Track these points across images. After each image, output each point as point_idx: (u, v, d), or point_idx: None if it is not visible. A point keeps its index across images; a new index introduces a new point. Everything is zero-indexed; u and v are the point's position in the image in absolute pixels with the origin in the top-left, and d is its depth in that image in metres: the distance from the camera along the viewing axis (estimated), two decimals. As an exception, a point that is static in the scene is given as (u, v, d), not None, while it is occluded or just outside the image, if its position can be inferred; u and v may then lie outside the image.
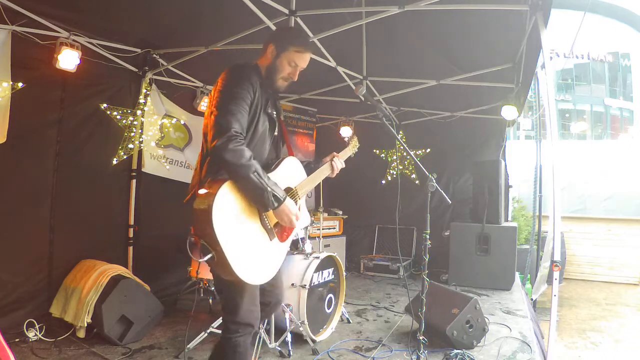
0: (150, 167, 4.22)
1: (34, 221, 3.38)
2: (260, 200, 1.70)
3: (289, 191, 1.93)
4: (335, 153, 2.25)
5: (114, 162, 3.93)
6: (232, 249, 1.61)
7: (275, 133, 2.03)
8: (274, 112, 1.98)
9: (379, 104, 2.55)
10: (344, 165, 2.24)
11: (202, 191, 1.69)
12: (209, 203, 1.59)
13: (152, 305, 3.33)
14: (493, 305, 4.27)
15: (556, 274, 2.53)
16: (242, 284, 1.79)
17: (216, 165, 1.75)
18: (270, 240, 1.83)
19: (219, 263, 1.63)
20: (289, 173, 1.99)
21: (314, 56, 3.86)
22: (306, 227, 3.67)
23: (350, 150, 2.45)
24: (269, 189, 1.68)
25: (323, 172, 2.16)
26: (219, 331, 2.88)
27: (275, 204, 1.71)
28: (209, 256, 1.62)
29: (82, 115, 3.68)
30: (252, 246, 1.74)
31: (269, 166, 1.93)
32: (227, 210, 1.64)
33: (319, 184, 4.22)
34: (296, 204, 1.91)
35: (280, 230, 1.89)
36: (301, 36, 2.02)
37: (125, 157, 4.00)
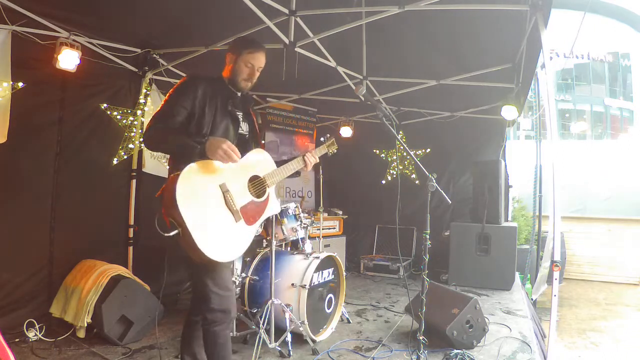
0: (150, 167, 4.22)
1: (34, 221, 3.38)
2: (187, 150, 1.84)
3: (255, 179, 2.09)
4: (309, 149, 2.39)
5: (114, 162, 3.93)
6: (196, 226, 1.75)
7: (242, 132, 2.20)
8: (238, 112, 2.17)
9: (379, 104, 2.56)
10: (317, 160, 2.37)
11: (168, 178, 1.88)
12: (173, 184, 1.76)
13: (152, 305, 3.33)
14: (493, 305, 4.27)
15: (556, 274, 2.54)
16: (209, 268, 1.90)
17: (176, 159, 1.94)
18: (236, 221, 1.94)
19: (185, 239, 1.75)
20: (256, 163, 2.13)
21: (314, 56, 3.91)
22: (306, 227, 3.67)
23: (325, 149, 2.55)
24: (188, 139, 1.85)
25: (294, 165, 2.29)
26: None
27: (199, 146, 1.83)
28: (175, 231, 1.76)
29: (82, 115, 3.68)
30: (216, 225, 1.86)
31: None
32: (190, 190, 1.79)
33: (319, 184, 4.23)
34: (265, 193, 2.12)
35: (247, 213, 1.99)
36: (251, 40, 2.20)
37: (125, 157, 4.00)
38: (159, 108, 2.02)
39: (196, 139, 1.85)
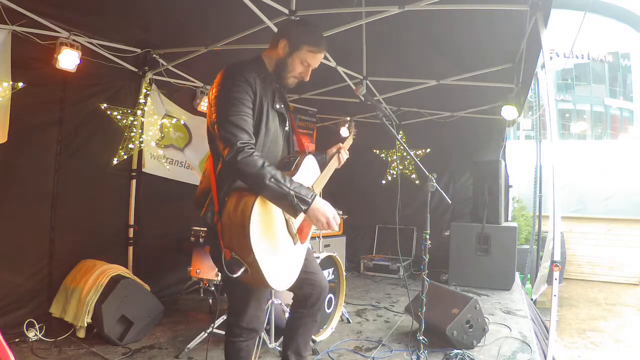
0: (150, 167, 4.22)
1: (34, 221, 3.37)
2: (286, 206, 1.60)
3: None
4: (340, 144, 2.22)
5: (115, 162, 3.92)
6: (265, 259, 1.57)
7: (286, 128, 1.93)
8: (282, 106, 1.89)
9: (379, 104, 2.55)
10: (348, 155, 2.22)
11: (231, 201, 1.62)
12: (245, 215, 1.53)
13: (152, 305, 3.33)
14: (493, 305, 4.27)
15: (556, 274, 2.53)
16: (250, 289, 1.79)
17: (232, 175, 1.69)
18: (294, 244, 1.80)
19: (253, 274, 1.58)
20: (307, 173, 1.90)
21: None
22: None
23: (351, 140, 2.43)
24: (291, 192, 1.56)
25: (333, 166, 2.12)
26: (219, 331, 2.89)
27: (304, 207, 1.59)
28: (242, 270, 1.56)
29: (82, 115, 3.67)
30: (280, 253, 1.70)
31: (289, 166, 1.81)
32: (261, 221, 1.60)
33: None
34: None
35: (301, 231, 1.86)
36: (315, 34, 1.87)
37: (125, 157, 4.00)
38: (226, 112, 1.63)
39: (301, 194, 1.58)
